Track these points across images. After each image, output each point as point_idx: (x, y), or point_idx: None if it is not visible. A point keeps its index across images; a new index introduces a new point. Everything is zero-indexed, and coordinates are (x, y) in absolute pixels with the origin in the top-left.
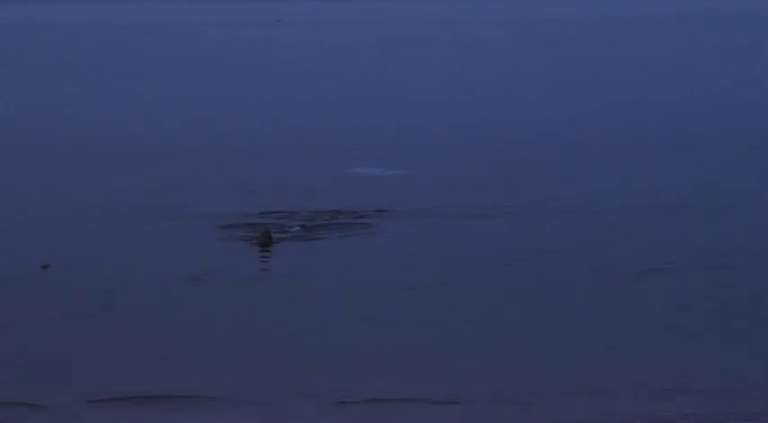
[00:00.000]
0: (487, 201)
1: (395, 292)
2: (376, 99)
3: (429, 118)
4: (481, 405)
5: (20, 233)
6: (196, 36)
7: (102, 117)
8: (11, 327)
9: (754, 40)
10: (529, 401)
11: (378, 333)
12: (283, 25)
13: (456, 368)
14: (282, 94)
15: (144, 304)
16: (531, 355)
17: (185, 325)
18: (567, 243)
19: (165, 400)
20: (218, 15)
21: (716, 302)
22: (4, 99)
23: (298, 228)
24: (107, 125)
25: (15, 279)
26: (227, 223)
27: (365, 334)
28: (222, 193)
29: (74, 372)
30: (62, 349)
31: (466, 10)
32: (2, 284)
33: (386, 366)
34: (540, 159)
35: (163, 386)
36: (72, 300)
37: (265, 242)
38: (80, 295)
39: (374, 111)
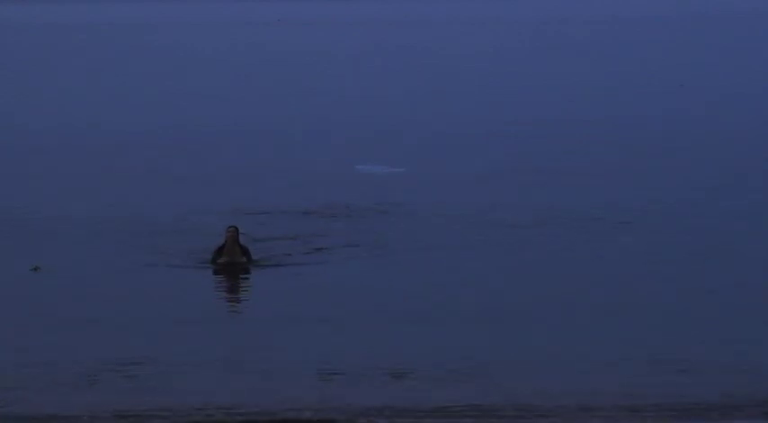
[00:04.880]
0: (488, 199)
1: (396, 290)
2: (378, 98)
3: (431, 116)
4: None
5: (13, 234)
6: (196, 36)
7: (99, 117)
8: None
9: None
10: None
11: (382, 332)
12: (283, 25)
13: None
14: (282, 93)
15: (126, 316)
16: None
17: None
18: (565, 241)
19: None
20: (219, 15)
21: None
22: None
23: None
24: (104, 124)
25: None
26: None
27: (371, 337)
28: (222, 192)
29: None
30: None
31: (467, 10)
32: None
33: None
34: (541, 158)
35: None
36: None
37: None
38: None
39: (376, 110)
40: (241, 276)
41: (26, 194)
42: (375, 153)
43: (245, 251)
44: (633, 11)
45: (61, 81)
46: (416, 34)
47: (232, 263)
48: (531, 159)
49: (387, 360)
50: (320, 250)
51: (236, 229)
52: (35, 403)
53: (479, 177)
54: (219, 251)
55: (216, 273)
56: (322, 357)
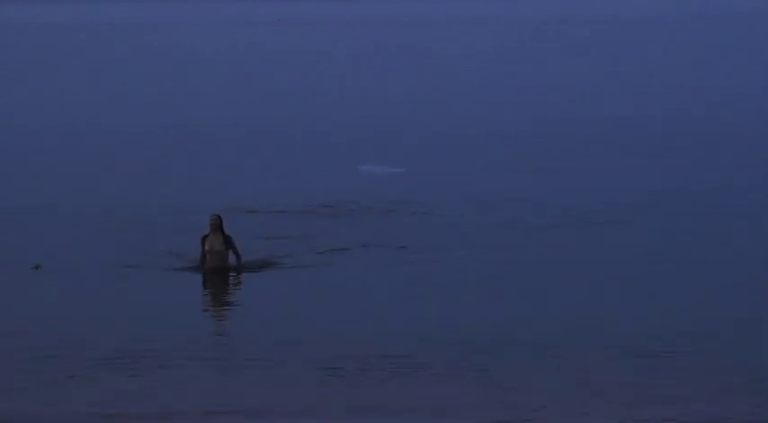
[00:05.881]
0: (488, 199)
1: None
2: (378, 98)
3: (431, 116)
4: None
5: (13, 234)
6: (196, 36)
7: (99, 117)
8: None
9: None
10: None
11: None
12: (283, 25)
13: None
14: (283, 93)
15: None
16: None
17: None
18: (565, 241)
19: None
20: (219, 15)
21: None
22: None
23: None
24: (104, 124)
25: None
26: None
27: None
28: (222, 192)
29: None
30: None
31: (467, 10)
32: None
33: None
34: (541, 158)
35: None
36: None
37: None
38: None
39: (376, 110)
40: (240, 276)
41: (26, 194)
42: (375, 153)
43: (227, 239)
44: (633, 11)
45: (61, 81)
46: (416, 34)
47: (212, 251)
48: (531, 159)
49: (387, 359)
50: (320, 250)
51: (219, 217)
52: (32, 404)
53: (479, 177)
54: (204, 239)
55: (204, 273)
56: (322, 357)
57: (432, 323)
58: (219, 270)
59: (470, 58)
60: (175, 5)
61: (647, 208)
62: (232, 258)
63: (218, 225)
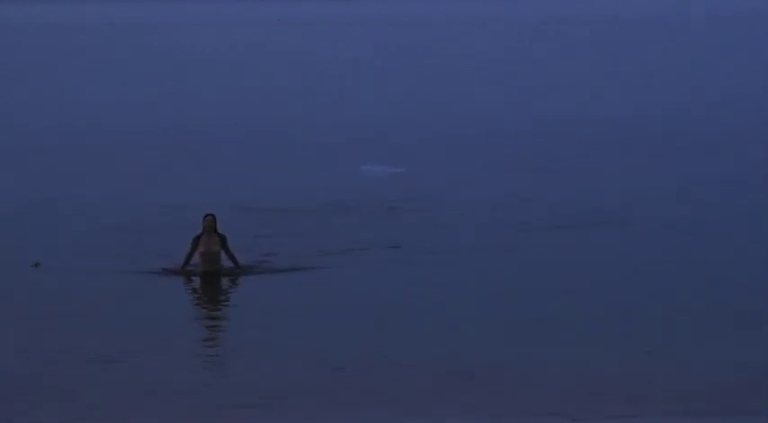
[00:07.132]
0: (488, 199)
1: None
2: (378, 98)
3: (431, 116)
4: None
5: (13, 233)
6: (196, 36)
7: (99, 117)
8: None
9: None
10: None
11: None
12: (283, 25)
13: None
14: (283, 93)
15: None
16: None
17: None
18: (565, 241)
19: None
20: (219, 15)
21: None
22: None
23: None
24: (104, 124)
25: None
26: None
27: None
28: (222, 192)
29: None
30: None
31: (467, 10)
32: None
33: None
34: (541, 158)
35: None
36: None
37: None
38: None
39: (376, 110)
40: (239, 276)
41: (26, 194)
42: (375, 153)
43: (222, 239)
44: (633, 11)
45: (61, 81)
46: (416, 34)
47: (209, 252)
48: (531, 159)
49: (388, 360)
50: (321, 250)
51: (214, 217)
52: (32, 405)
53: (479, 177)
54: (197, 240)
55: (197, 274)
56: (321, 358)
57: (432, 323)
58: (215, 272)
59: (470, 58)
60: (175, 5)
61: (646, 208)
62: (225, 259)
63: (213, 226)
